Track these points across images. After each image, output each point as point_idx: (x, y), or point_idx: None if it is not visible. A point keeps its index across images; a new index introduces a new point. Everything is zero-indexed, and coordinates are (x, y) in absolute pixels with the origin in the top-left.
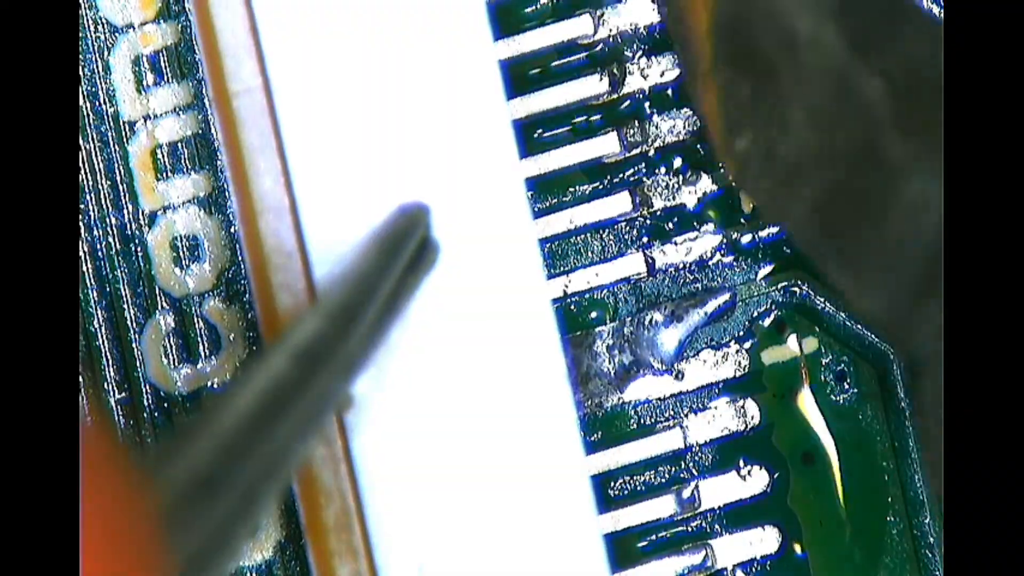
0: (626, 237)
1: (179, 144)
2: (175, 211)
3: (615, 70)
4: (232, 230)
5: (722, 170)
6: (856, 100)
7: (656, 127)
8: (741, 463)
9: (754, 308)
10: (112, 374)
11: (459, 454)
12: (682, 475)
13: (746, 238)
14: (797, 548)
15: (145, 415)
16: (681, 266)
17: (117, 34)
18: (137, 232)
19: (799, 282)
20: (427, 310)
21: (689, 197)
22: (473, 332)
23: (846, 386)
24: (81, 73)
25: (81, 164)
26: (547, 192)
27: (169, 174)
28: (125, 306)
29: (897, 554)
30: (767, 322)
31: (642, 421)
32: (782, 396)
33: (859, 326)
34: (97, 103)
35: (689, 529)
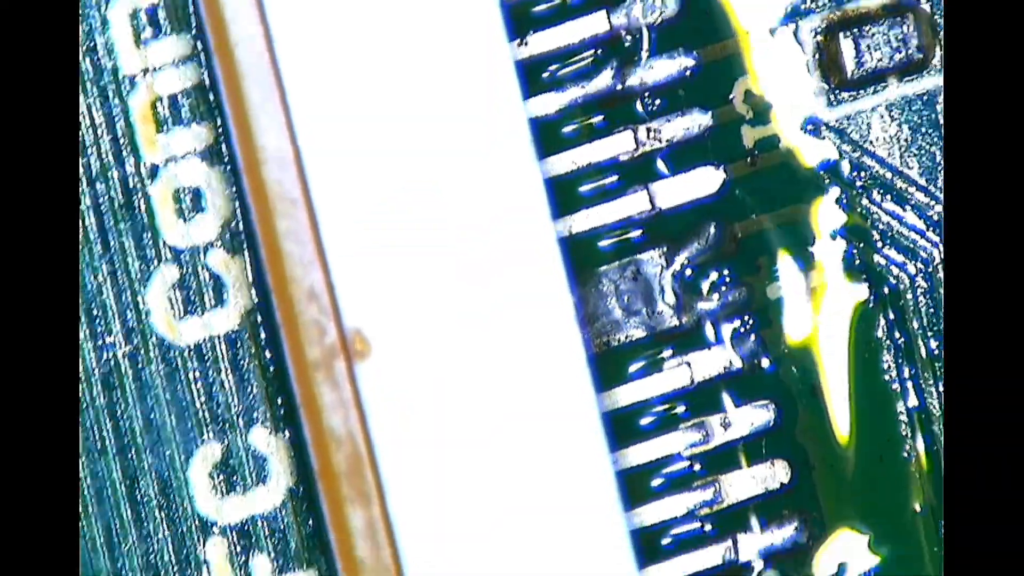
0: (630, 176)
1: (179, 96)
2: (177, 163)
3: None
4: (235, 180)
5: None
6: None
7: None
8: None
9: (757, 242)
10: (118, 327)
11: (471, 408)
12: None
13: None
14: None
15: (152, 367)
16: (683, 203)
17: None
18: (139, 185)
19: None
20: (434, 255)
21: (688, 134)
22: (484, 287)
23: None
24: (80, 28)
25: (81, 119)
26: (550, 132)
27: (170, 126)
28: (129, 259)
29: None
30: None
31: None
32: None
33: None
34: (96, 58)
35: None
